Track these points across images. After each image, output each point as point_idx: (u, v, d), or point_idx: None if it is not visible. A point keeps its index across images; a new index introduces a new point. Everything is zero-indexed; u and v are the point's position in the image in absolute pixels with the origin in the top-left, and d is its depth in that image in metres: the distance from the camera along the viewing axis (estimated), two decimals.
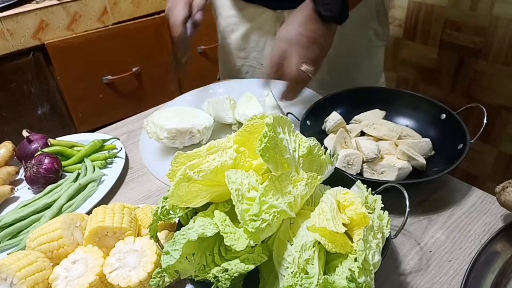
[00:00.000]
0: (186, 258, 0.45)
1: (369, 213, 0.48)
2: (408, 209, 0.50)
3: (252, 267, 0.43)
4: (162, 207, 0.51)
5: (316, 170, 0.53)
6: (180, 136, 0.80)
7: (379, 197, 0.53)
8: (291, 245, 0.45)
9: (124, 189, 0.78)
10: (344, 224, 0.46)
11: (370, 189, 0.54)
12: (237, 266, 0.43)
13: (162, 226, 0.60)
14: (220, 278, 0.42)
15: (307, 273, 0.43)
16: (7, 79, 1.48)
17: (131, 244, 0.54)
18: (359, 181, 0.56)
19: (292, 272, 0.43)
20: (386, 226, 0.49)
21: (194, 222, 0.48)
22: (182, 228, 0.47)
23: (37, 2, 1.47)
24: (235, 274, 0.42)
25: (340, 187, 0.54)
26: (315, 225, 0.44)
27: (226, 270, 0.43)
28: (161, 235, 0.58)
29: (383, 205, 0.51)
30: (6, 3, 1.42)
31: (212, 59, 1.92)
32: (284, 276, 0.44)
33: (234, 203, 0.44)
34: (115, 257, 0.53)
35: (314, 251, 0.44)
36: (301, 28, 0.73)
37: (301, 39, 0.72)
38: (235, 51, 1.11)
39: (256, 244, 0.45)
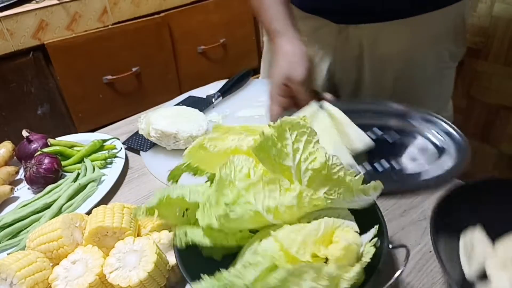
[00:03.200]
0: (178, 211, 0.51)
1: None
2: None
3: (207, 243, 0.47)
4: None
5: (334, 190, 0.47)
6: (165, 139, 0.79)
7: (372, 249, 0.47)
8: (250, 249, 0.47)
9: (124, 189, 0.78)
10: (316, 256, 0.44)
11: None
12: (194, 235, 0.48)
13: (162, 226, 0.60)
14: (177, 235, 0.49)
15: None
16: (7, 79, 1.48)
17: (131, 244, 0.54)
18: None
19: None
20: None
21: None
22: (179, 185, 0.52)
23: (37, 2, 1.46)
24: (190, 241, 0.48)
25: (350, 222, 0.49)
26: (278, 239, 0.44)
27: (185, 234, 0.48)
28: (161, 235, 0.58)
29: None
30: (6, 3, 1.42)
31: (212, 59, 1.92)
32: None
33: (218, 183, 0.46)
34: (115, 257, 0.53)
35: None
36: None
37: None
38: None
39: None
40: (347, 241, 0.44)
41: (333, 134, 0.69)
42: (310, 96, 0.72)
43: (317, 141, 0.47)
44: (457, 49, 0.92)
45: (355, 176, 0.47)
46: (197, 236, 0.48)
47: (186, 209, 0.51)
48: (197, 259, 0.50)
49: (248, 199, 0.45)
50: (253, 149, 0.46)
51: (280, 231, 0.45)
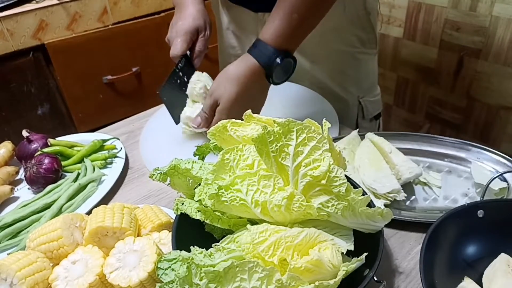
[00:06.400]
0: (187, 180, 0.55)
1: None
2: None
3: (199, 217, 0.49)
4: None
5: (332, 204, 0.46)
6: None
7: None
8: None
9: (124, 189, 0.78)
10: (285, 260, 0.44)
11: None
12: (187, 208, 0.50)
13: (162, 226, 0.60)
14: (176, 201, 0.52)
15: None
16: (7, 79, 1.48)
17: (131, 244, 0.54)
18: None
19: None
20: None
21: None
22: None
23: (37, 2, 1.46)
24: (182, 210, 0.50)
25: (340, 241, 0.47)
26: (251, 233, 0.45)
27: (182, 203, 0.51)
28: (161, 235, 0.58)
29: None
30: (6, 3, 1.42)
31: (212, 59, 1.91)
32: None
33: (219, 165, 0.48)
34: (115, 257, 0.53)
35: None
36: (243, 87, 0.74)
37: (242, 101, 0.74)
38: (228, 50, 1.12)
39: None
40: (320, 257, 0.43)
41: (379, 161, 0.69)
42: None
43: (326, 150, 0.46)
44: (366, 35, 0.99)
45: (361, 196, 0.46)
46: (189, 209, 0.50)
47: (199, 184, 0.52)
48: (194, 233, 0.52)
49: (240, 188, 0.46)
50: (253, 139, 0.46)
51: (261, 227, 0.46)
